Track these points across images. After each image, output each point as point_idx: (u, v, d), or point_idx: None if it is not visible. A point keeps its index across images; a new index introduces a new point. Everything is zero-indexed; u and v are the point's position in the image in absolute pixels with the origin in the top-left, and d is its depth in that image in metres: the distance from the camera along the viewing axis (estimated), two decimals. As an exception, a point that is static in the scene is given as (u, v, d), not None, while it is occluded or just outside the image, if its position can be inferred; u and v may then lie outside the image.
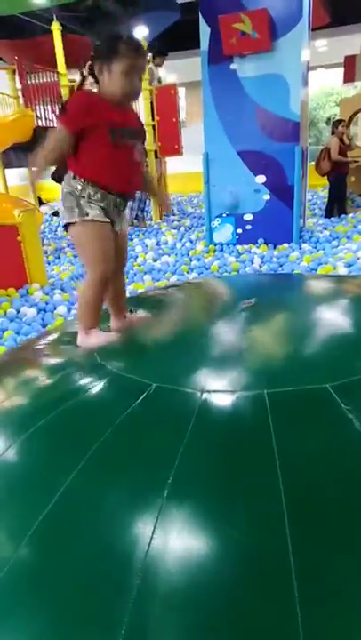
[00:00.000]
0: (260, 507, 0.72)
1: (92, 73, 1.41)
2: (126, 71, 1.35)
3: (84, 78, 1.45)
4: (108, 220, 1.44)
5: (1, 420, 1.09)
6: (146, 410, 0.93)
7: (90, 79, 1.43)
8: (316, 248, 4.63)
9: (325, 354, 1.10)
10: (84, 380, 1.11)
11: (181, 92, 11.39)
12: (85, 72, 1.43)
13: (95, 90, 1.41)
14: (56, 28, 6.60)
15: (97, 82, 1.41)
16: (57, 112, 1.44)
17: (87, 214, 1.41)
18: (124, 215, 1.54)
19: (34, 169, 1.38)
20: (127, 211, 1.59)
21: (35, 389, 1.19)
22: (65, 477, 0.80)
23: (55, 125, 1.40)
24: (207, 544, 0.69)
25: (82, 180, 1.41)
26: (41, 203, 9.85)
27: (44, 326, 3.07)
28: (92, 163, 1.40)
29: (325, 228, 5.49)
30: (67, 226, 1.47)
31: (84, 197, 1.41)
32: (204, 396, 0.92)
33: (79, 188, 1.41)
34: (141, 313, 1.62)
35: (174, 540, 0.69)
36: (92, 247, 1.43)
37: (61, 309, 3.36)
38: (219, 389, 0.94)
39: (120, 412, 0.92)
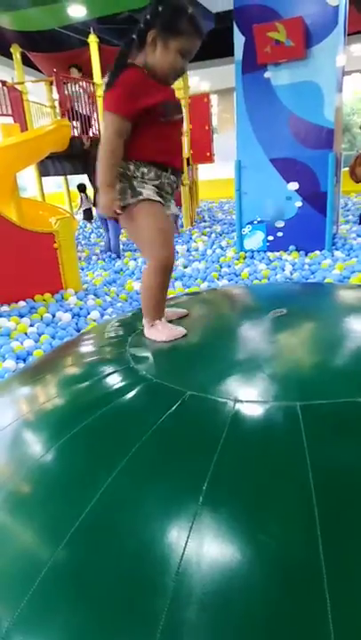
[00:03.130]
0: (292, 514, 0.74)
1: (140, 36, 1.28)
2: (184, 52, 1.27)
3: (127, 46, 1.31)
4: (161, 200, 1.39)
5: (42, 421, 1.15)
6: (181, 417, 0.96)
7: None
8: (349, 256, 4.58)
9: (357, 367, 1.11)
10: (120, 385, 1.15)
11: (213, 99, 11.47)
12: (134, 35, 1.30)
13: (138, 59, 1.29)
14: (93, 40, 6.79)
15: (140, 46, 1.28)
16: (104, 92, 1.30)
17: (141, 194, 1.36)
18: (172, 201, 1.49)
19: (108, 194, 1.29)
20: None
21: (73, 393, 1.24)
22: (105, 477, 0.85)
23: (105, 115, 1.27)
24: (240, 549, 0.72)
25: (133, 160, 1.36)
26: (94, 204, 10.06)
27: (77, 331, 3.16)
28: (146, 143, 1.34)
29: (359, 235, 5.41)
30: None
31: (136, 177, 1.36)
32: (237, 405, 0.95)
33: (132, 168, 1.36)
34: (178, 309, 1.63)
35: (208, 544, 0.72)
36: (149, 228, 1.37)
37: (94, 314, 3.45)
38: (251, 399, 0.97)
39: (156, 418, 0.96)
